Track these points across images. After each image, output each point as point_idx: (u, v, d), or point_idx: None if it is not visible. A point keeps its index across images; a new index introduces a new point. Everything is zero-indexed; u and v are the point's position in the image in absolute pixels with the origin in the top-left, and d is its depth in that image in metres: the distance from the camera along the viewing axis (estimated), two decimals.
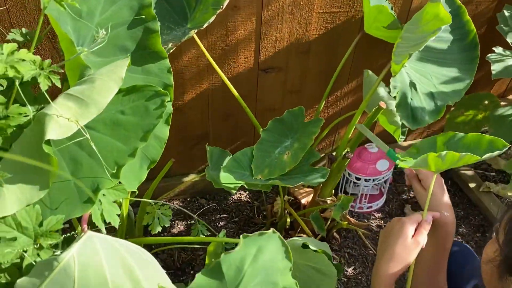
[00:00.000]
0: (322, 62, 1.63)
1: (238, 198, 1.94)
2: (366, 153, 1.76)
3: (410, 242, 0.97)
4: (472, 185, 1.96)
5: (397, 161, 0.99)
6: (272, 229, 0.57)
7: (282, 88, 1.66)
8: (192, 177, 1.85)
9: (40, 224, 0.69)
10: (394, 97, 1.09)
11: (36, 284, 0.62)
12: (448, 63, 1.18)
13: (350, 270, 1.67)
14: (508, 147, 0.88)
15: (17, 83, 0.72)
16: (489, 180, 2.00)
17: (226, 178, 1.37)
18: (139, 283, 0.65)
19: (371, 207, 1.88)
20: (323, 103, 1.63)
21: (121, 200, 1.00)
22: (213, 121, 1.71)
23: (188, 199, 1.91)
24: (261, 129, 1.33)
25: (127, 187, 0.90)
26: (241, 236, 0.55)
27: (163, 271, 0.70)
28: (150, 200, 1.19)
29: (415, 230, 0.98)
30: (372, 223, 1.86)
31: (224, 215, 1.86)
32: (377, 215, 1.90)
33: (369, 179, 1.74)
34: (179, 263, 1.68)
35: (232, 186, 1.37)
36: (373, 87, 1.32)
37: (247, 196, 1.95)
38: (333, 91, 1.75)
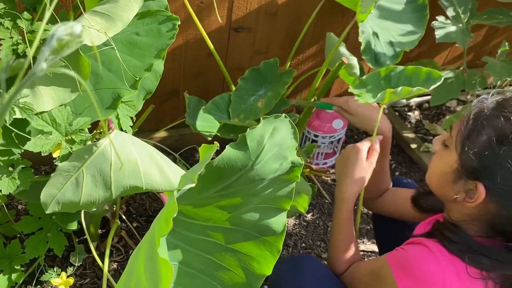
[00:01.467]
0: (288, 25, 1.77)
1: None
2: (323, 113, 1.94)
3: (366, 164, 1.15)
4: (413, 146, 2.21)
5: (356, 98, 1.17)
6: (284, 114, 0.70)
7: (251, 48, 1.79)
8: (160, 133, 1.94)
9: (70, 124, 0.77)
10: (361, 43, 1.27)
11: (77, 166, 0.71)
12: (403, 20, 1.38)
13: (309, 216, 1.85)
14: (442, 77, 1.07)
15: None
16: (428, 143, 2.25)
17: (202, 126, 1.49)
18: (165, 172, 0.76)
19: (326, 163, 2.07)
20: (288, 65, 1.77)
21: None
22: (184, 78, 1.80)
23: None
24: (239, 78, 1.46)
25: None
26: (261, 117, 0.68)
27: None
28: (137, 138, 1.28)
29: (368, 153, 1.17)
30: (327, 177, 2.05)
31: None
32: (331, 171, 2.09)
33: (326, 136, 1.93)
34: (150, 211, 1.77)
35: (207, 133, 1.49)
36: (336, 45, 1.49)
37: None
38: (296, 55, 1.90)
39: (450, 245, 0.89)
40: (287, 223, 1.80)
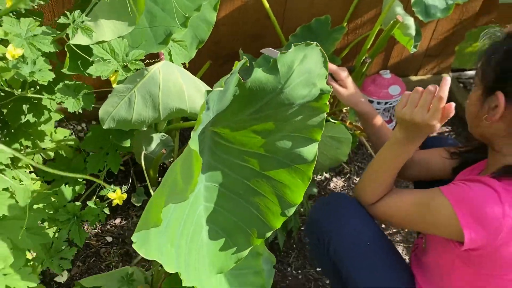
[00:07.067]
0: None
1: None
2: (380, 78, 1.93)
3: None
4: None
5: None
6: (315, 42, 0.74)
7: (308, 12, 1.82)
8: None
9: (127, 55, 0.87)
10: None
11: (130, 88, 0.81)
12: None
13: (358, 180, 1.87)
14: None
15: None
16: None
17: None
18: None
19: None
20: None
21: None
22: (242, 41, 1.87)
23: None
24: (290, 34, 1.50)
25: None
26: (292, 44, 0.73)
27: None
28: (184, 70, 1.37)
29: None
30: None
31: None
32: None
33: (381, 102, 1.92)
34: None
35: None
36: (389, 2, 1.48)
37: None
38: (354, 18, 1.90)
39: None
40: (336, 183, 1.84)
